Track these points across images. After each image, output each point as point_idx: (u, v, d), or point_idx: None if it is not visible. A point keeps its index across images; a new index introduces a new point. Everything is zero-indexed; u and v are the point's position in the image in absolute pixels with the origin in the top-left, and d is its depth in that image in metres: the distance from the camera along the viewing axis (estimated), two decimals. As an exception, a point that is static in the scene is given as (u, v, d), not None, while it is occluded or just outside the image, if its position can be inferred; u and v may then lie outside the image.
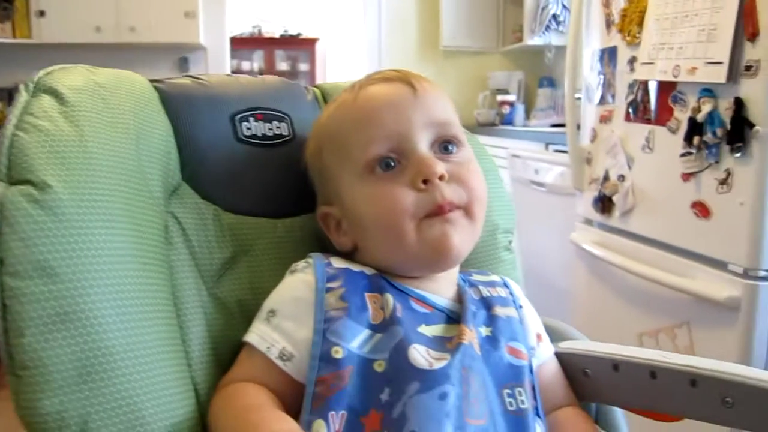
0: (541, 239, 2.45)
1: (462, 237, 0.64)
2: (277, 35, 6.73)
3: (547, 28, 3.39)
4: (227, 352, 0.65)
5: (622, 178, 1.69)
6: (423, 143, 0.65)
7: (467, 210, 0.65)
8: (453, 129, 0.68)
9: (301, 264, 0.66)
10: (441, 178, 0.63)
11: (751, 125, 1.26)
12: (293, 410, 0.59)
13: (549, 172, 2.36)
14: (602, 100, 1.79)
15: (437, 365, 0.57)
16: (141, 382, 0.55)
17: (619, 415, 0.73)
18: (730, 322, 1.34)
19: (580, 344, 0.72)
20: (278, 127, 0.76)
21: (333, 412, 0.55)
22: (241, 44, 6.29)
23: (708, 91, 1.36)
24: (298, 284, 0.64)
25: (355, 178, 0.65)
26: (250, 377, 0.60)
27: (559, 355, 0.71)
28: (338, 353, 0.58)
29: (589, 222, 1.91)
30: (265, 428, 0.52)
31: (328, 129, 0.70)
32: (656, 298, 1.56)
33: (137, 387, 0.54)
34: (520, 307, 0.72)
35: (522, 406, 0.62)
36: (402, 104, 0.66)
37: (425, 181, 0.63)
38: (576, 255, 1.96)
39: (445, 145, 0.67)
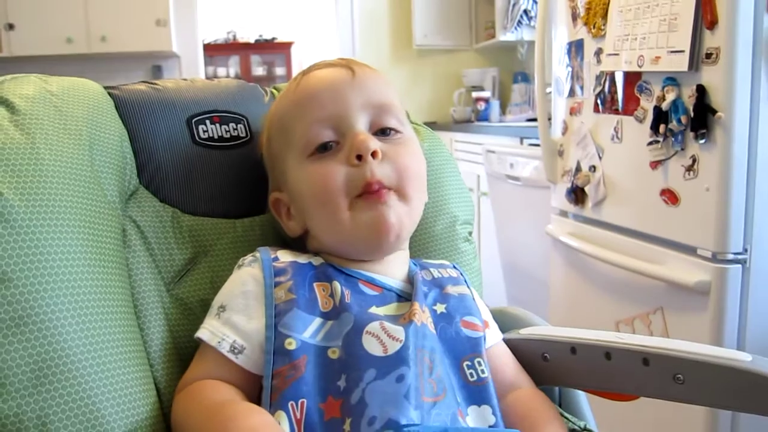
0: (519, 233, 2.46)
1: (398, 216, 0.64)
2: (252, 40, 6.72)
3: (519, 23, 3.41)
4: (189, 350, 0.66)
5: (593, 168, 1.71)
6: (360, 123, 0.66)
7: (399, 191, 0.65)
8: (391, 112, 0.68)
9: (248, 258, 0.67)
10: (374, 155, 0.64)
11: (714, 111, 1.28)
12: (252, 400, 0.59)
13: (524, 166, 2.38)
14: (571, 93, 1.81)
15: (391, 350, 0.58)
16: (99, 382, 0.55)
17: (582, 397, 0.75)
18: (701, 305, 1.36)
19: (540, 329, 0.73)
20: (235, 129, 0.76)
21: (292, 402, 0.56)
22: (216, 50, 6.28)
23: (671, 80, 1.38)
24: (246, 278, 0.64)
25: (298, 160, 0.67)
26: (206, 375, 0.60)
27: (520, 341, 0.72)
28: (291, 345, 0.58)
29: (564, 214, 1.93)
30: (241, 421, 0.51)
31: (274, 117, 0.71)
32: (631, 285, 1.58)
33: (96, 387, 0.54)
34: (470, 287, 0.73)
35: (482, 376, 0.63)
36: (340, 86, 0.67)
37: (359, 157, 0.64)
38: (553, 247, 1.98)
39: (383, 129, 0.68)
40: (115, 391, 0.56)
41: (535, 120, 2.89)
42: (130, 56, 4.03)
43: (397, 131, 0.68)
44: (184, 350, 0.66)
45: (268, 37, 6.74)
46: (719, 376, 0.57)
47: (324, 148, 0.66)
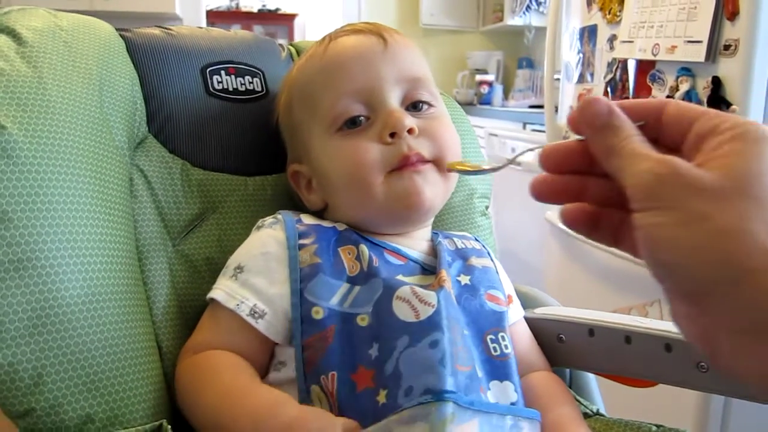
0: (517, 218, 2.45)
1: (434, 190, 0.62)
2: (255, 10, 6.63)
3: (528, 8, 3.37)
4: (193, 310, 0.63)
5: (598, 156, 1.69)
6: (393, 98, 0.62)
7: (438, 163, 0.62)
8: (425, 86, 0.65)
9: (269, 220, 0.63)
10: (410, 132, 0.61)
11: (728, 104, 1.26)
12: (261, 370, 0.58)
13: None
14: (581, 79, 1.79)
15: (423, 315, 0.55)
16: (99, 335, 0.52)
17: (593, 381, 0.73)
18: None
19: (555, 310, 0.71)
20: (251, 83, 0.73)
21: (324, 376, 0.53)
22: (218, 18, 6.18)
23: (686, 70, 1.36)
24: (268, 240, 0.61)
25: (324, 134, 0.63)
26: (218, 340, 0.57)
27: (533, 321, 0.70)
28: (318, 313, 0.55)
29: (564, 201, 1.91)
30: (276, 413, 0.49)
31: (297, 83, 0.67)
32: (629, 275, 1.57)
33: (95, 341, 0.52)
34: (494, 259, 0.71)
35: (506, 351, 0.61)
36: (372, 57, 0.63)
37: (393, 135, 0.60)
38: (550, 233, 1.97)
39: (415, 104, 0.64)
40: (111, 347, 0.53)
41: (537, 107, 2.87)
42: (132, 16, 3.95)
43: (430, 105, 0.65)
44: (188, 309, 0.64)
45: (271, 7, 6.65)
46: (746, 366, 0.55)
47: (353, 123, 0.62)
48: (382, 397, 0.51)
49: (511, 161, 0.49)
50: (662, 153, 0.36)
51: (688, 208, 0.32)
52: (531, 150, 0.45)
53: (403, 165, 0.60)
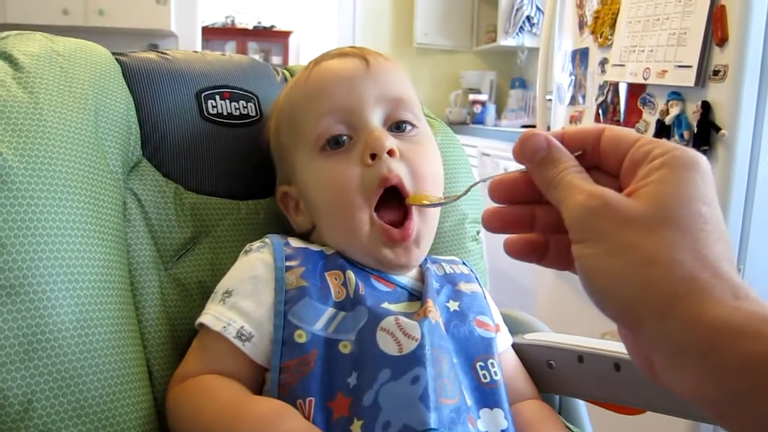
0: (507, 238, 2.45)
1: (417, 252, 0.63)
2: (250, 27, 6.66)
3: (521, 29, 3.40)
4: (185, 334, 0.63)
5: (589, 178, 1.70)
6: (374, 118, 0.63)
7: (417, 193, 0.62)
8: (407, 107, 0.65)
9: (256, 244, 0.64)
10: (391, 153, 0.61)
11: (717, 129, 1.27)
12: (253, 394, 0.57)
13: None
14: (573, 101, 1.81)
15: (407, 349, 0.55)
16: (90, 361, 0.52)
17: (582, 407, 0.73)
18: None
19: (545, 336, 0.71)
20: (245, 107, 0.74)
21: (300, 400, 0.53)
22: (213, 34, 6.21)
23: (676, 95, 1.38)
24: (256, 263, 0.61)
25: (308, 156, 0.64)
26: (206, 367, 0.57)
27: (523, 346, 0.70)
28: (301, 337, 0.55)
29: (556, 221, 1.92)
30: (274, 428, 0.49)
31: (284, 108, 0.68)
32: (620, 298, 1.57)
33: (86, 367, 0.52)
34: (482, 285, 0.71)
35: (495, 378, 0.61)
36: (353, 78, 0.63)
37: (373, 156, 0.61)
38: (542, 254, 1.97)
39: (398, 124, 0.64)
40: (102, 373, 0.53)
41: (530, 127, 2.89)
42: (127, 32, 3.96)
43: (413, 126, 0.65)
44: (179, 333, 0.64)
45: (266, 24, 6.69)
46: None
47: (336, 143, 0.62)
48: (356, 428, 0.51)
49: (465, 192, 0.51)
50: (604, 179, 0.37)
51: (618, 239, 0.33)
52: (484, 181, 0.46)
53: (382, 187, 0.60)
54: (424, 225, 0.63)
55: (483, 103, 3.53)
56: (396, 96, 0.64)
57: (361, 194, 0.61)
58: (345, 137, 0.62)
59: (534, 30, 3.37)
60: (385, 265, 0.62)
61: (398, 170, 0.61)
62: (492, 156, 2.58)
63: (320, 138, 0.62)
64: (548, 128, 1.95)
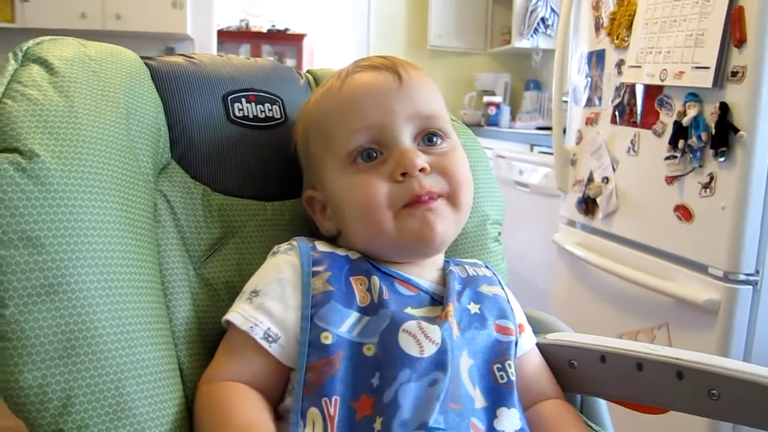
0: (524, 239, 2.46)
1: (445, 225, 0.63)
2: (264, 30, 6.69)
3: (535, 31, 3.40)
4: (213, 334, 0.64)
5: (606, 180, 1.70)
6: (405, 135, 0.64)
7: (451, 198, 0.64)
8: (438, 122, 0.66)
9: (284, 246, 0.65)
10: (422, 170, 0.62)
11: (736, 130, 1.27)
12: (276, 396, 0.59)
13: (533, 173, 2.37)
14: (589, 103, 1.80)
15: (428, 352, 0.57)
16: (127, 359, 0.53)
17: (604, 406, 0.74)
18: (709, 324, 1.35)
19: (567, 336, 0.72)
20: (270, 110, 0.75)
21: (326, 399, 0.54)
22: (227, 37, 6.24)
23: (694, 96, 1.38)
24: (283, 266, 0.62)
25: (338, 167, 0.65)
26: (235, 371, 0.58)
27: (545, 347, 0.71)
28: (327, 339, 0.57)
29: (572, 223, 1.92)
30: None
31: (313, 116, 0.69)
32: (636, 299, 1.57)
33: (122, 364, 0.53)
34: (504, 287, 0.72)
35: (512, 378, 0.62)
36: (386, 94, 0.64)
37: (404, 174, 0.62)
38: (558, 255, 1.97)
39: (429, 137, 0.66)
40: (140, 369, 0.54)
41: (545, 129, 2.89)
42: (143, 36, 4.00)
43: (443, 139, 0.67)
44: (208, 332, 0.65)
45: (280, 27, 6.71)
46: (757, 395, 0.56)
47: (369, 156, 0.64)
48: (378, 425, 0.53)
49: None
50: None
51: None
52: None
53: (414, 202, 0.62)
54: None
55: (497, 105, 3.53)
56: (428, 113, 0.65)
57: (389, 209, 0.62)
58: (376, 151, 0.64)
59: (548, 32, 3.36)
60: (412, 247, 0.64)
61: (429, 184, 0.63)
62: (507, 158, 2.59)
63: (351, 153, 0.64)
64: (564, 130, 1.95)
